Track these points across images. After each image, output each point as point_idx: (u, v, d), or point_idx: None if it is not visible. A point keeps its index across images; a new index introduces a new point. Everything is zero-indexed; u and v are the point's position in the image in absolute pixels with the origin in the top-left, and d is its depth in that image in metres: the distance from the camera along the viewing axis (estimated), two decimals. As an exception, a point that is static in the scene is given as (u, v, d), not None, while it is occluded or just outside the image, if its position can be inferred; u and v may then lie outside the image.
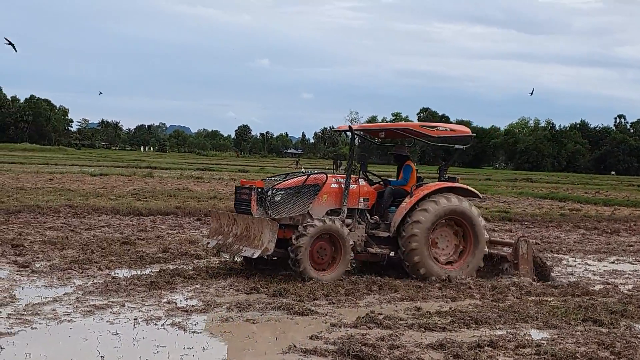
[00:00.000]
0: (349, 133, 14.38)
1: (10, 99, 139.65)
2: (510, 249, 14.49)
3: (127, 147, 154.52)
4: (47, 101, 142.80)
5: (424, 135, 14.35)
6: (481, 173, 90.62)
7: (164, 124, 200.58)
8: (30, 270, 12.64)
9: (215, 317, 10.13)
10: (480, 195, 15.13)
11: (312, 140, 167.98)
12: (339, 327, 9.82)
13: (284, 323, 10.04)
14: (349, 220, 13.47)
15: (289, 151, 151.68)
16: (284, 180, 13.58)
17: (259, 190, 13.00)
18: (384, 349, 8.66)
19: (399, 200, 13.99)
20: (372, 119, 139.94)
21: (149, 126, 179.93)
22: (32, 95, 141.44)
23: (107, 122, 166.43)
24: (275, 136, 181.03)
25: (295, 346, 8.73)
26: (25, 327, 9.24)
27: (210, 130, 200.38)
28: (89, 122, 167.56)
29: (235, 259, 13.67)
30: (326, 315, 10.52)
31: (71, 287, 11.52)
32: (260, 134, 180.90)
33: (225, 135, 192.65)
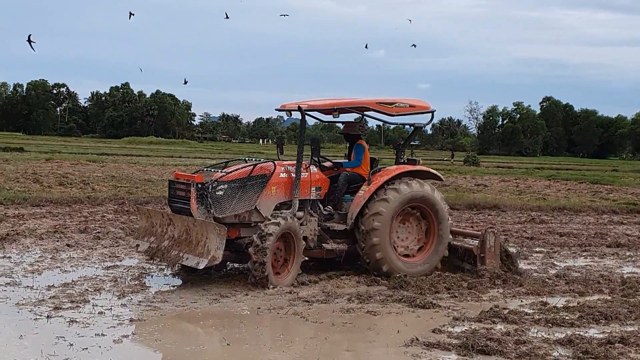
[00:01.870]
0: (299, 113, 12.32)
1: (137, 94, 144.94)
2: (477, 242, 13.00)
3: (247, 140, 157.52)
4: (171, 96, 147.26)
5: (381, 113, 12.63)
6: (607, 164, 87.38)
7: (282, 117, 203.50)
8: (159, 259, 13.04)
9: (336, 308, 10.15)
10: (443, 178, 13.90)
11: (429, 132, 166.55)
12: (462, 321, 9.65)
13: (405, 315, 9.96)
14: (300, 214, 11.93)
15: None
16: (225, 172, 11.81)
17: (199, 185, 11.26)
18: (509, 344, 8.45)
19: (354, 187, 12.62)
20: (492, 109, 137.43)
21: (267, 119, 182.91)
22: (157, 91, 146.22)
23: (228, 115, 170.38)
24: (391, 127, 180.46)
25: (417, 339, 8.64)
26: (155, 313, 9.54)
27: (325, 122, 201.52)
28: (211, 115, 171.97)
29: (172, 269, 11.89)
30: (448, 308, 10.36)
31: (198, 275, 11.80)
32: (376, 125, 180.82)
33: (341, 127, 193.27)
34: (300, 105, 12.11)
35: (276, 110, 12.88)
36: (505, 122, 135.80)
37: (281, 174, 11.89)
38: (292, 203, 11.88)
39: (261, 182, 11.69)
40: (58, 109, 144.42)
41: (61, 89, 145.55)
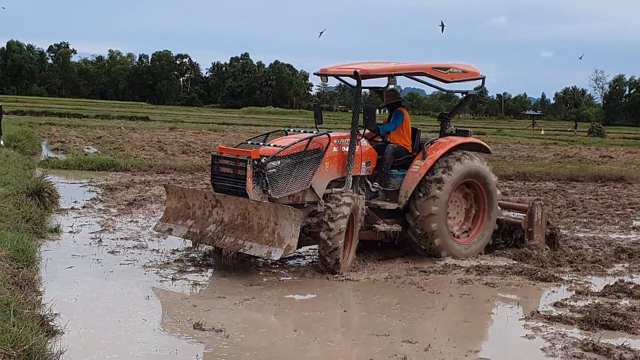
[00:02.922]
0: (351, 81, 11.19)
1: (256, 65, 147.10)
2: (525, 215, 12.21)
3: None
4: (289, 66, 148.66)
5: (437, 79, 11.40)
6: None
7: (399, 86, 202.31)
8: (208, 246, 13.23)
9: (453, 279, 10.05)
10: (491, 150, 12.77)
11: (552, 101, 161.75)
12: (585, 295, 9.37)
13: (525, 288, 9.76)
14: (350, 192, 10.59)
15: (527, 112, 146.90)
16: (281, 147, 10.32)
17: (256, 162, 9.96)
18: (635, 320, 8.16)
19: (399, 161, 11.45)
20: (619, 78, 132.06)
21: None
22: (276, 61, 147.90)
23: (345, 85, 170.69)
24: (512, 97, 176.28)
25: (538, 312, 8.45)
26: (273, 279, 9.73)
27: (444, 92, 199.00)
28: (327, 86, 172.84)
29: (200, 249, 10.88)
30: (571, 282, 10.07)
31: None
32: (496, 95, 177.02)
33: (460, 97, 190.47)
34: (357, 70, 10.75)
35: (315, 74, 11.67)
36: (632, 91, 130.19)
37: (334, 147, 10.65)
38: (345, 180, 10.74)
39: (316, 158, 10.46)
40: (181, 79, 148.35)
41: (184, 60, 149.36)
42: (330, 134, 10.78)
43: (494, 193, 11.71)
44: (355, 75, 10.69)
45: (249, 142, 11.11)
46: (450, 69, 11.43)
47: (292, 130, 11.84)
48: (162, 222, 10.61)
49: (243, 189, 9.91)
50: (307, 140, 10.41)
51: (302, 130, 11.49)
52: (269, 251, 9.34)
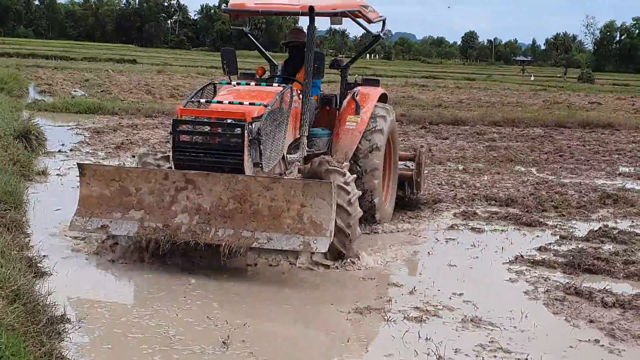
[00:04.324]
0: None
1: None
2: (413, 165, 10.96)
3: (353, 55, 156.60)
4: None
5: (363, 17, 9.53)
6: None
7: (390, 30, 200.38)
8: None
9: (441, 224, 10.13)
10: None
11: (542, 47, 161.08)
12: (569, 240, 9.48)
13: (510, 233, 9.85)
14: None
15: (517, 59, 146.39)
16: (265, 104, 7.79)
17: (250, 125, 7.53)
18: (617, 264, 8.27)
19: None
20: (610, 24, 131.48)
21: (385, 34, 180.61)
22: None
23: (335, 30, 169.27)
24: (503, 43, 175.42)
25: (522, 256, 8.56)
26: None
27: (435, 37, 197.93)
28: (318, 30, 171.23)
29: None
30: (555, 227, 10.18)
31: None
32: (487, 40, 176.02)
33: (451, 42, 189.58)
34: (312, 5, 8.54)
35: (225, 11, 9.22)
36: (623, 37, 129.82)
37: (295, 103, 8.48)
38: (299, 144, 8.85)
39: (286, 116, 8.23)
40: (169, 21, 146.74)
41: (172, 1, 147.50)
42: (290, 85, 8.51)
43: (397, 147, 10.64)
44: (310, 12, 8.54)
45: (192, 99, 8.17)
46: (369, 8, 9.73)
47: (234, 83, 8.77)
48: (82, 218, 7.41)
49: (236, 164, 7.45)
50: (280, 94, 8.06)
51: (253, 83, 8.77)
52: (305, 242, 7.09)
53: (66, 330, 5.58)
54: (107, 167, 7.64)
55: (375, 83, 10.26)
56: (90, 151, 14.47)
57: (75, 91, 27.89)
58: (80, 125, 18.05)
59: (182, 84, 33.20)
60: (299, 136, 8.75)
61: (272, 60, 10.27)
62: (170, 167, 7.83)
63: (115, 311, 6.34)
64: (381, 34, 10.40)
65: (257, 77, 9.52)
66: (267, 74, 9.86)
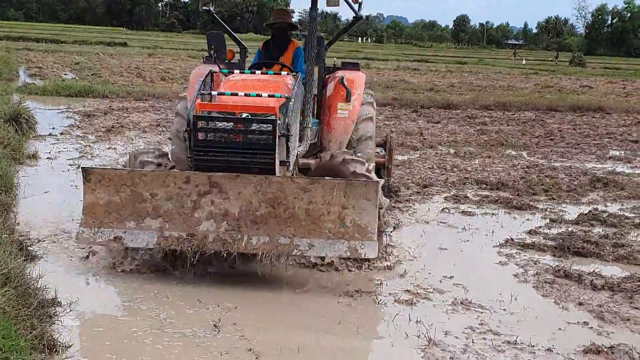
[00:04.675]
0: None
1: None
2: (384, 151, 10.43)
3: (345, 39, 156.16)
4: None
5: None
6: None
7: (381, 14, 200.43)
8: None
9: (432, 207, 10.16)
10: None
11: (534, 31, 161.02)
12: (559, 223, 9.52)
13: (501, 217, 9.87)
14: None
15: (509, 42, 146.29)
16: (287, 97, 7.18)
17: (279, 121, 6.88)
18: (607, 247, 8.31)
19: None
20: (602, 7, 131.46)
21: (367, 17, 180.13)
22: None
23: (327, 13, 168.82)
24: (495, 26, 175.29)
25: (512, 240, 8.60)
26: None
27: (427, 20, 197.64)
28: (303, 11, 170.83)
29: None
30: (546, 210, 10.22)
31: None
32: (479, 24, 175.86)
33: (443, 25, 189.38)
34: None
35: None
36: (614, 21, 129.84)
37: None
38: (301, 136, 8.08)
39: (299, 108, 7.71)
40: (159, 4, 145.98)
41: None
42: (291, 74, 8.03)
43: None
44: None
45: (203, 91, 7.41)
46: None
47: (237, 71, 8.02)
48: (90, 229, 6.55)
49: (266, 163, 6.79)
50: (296, 84, 7.57)
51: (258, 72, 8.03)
52: (351, 248, 6.52)
53: (57, 313, 5.60)
54: (117, 171, 6.63)
55: (355, 67, 9.47)
56: (81, 134, 14.43)
57: (65, 74, 27.77)
58: (71, 109, 17.99)
59: (173, 67, 33.10)
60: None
61: (242, 43, 9.32)
62: (173, 167, 7.47)
63: (106, 294, 6.35)
64: (363, 15, 9.59)
65: (227, 61, 8.77)
66: (237, 57, 9.08)
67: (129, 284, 6.68)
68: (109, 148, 13.17)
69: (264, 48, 9.09)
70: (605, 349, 5.52)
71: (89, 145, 13.22)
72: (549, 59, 77.82)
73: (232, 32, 9.46)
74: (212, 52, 8.08)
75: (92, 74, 27.72)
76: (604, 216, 9.75)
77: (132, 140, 14.02)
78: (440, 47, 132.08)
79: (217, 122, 6.73)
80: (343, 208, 6.55)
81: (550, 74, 47.52)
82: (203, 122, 6.74)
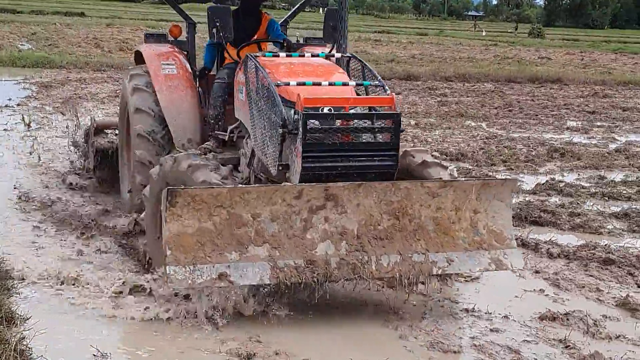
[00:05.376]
0: None
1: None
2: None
3: (306, 10, 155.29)
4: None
5: None
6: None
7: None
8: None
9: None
10: None
11: (494, 2, 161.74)
12: (517, 192, 9.61)
13: (460, 186, 9.96)
14: None
15: (469, 14, 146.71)
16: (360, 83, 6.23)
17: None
18: (563, 216, 8.45)
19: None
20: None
21: None
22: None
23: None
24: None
25: (471, 209, 8.69)
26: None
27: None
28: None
29: None
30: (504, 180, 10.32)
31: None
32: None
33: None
34: None
35: None
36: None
37: None
38: None
39: None
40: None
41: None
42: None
43: None
44: None
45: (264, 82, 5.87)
46: None
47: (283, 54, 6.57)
48: (183, 267, 4.99)
49: (388, 166, 5.65)
50: (345, 67, 6.71)
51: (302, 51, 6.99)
52: (495, 259, 5.62)
53: (15, 285, 5.56)
54: (212, 191, 5.12)
55: (321, 42, 8.22)
56: (38, 105, 14.23)
57: (22, 45, 27.25)
58: (27, 80, 17.71)
59: (132, 37, 32.64)
60: None
61: (189, 17, 7.95)
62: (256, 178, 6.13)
63: (65, 265, 6.29)
64: None
65: (173, 38, 7.85)
66: (184, 35, 7.92)
67: (86, 253, 6.63)
68: (66, 119, 13.00)
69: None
70: (560, 316, 5.64)
71: (46, 117, 13.04)
72: (509, 30, 78.23)
73: (177, 5, 8.10)
74: (215, 30, 6.69)
75: (49, 45, 27.26)
76: (561, 186, 9.90)
77: (91, 111, 13.86)
78: (401, 18, 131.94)
79: (330, 120, 5.46)
80: (475, 213, 5.61)
81: (510, 45, 47.82)
82: (317, 120, 5.45)
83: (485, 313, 5.69)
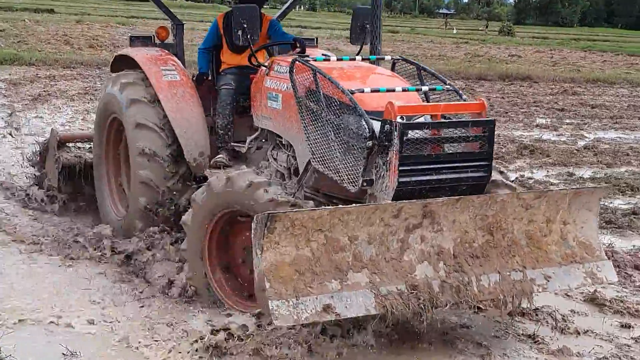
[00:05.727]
0: None
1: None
2: None
3: (277, 7, 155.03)
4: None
5: None
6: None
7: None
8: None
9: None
10: None
11: (465, 0, 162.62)
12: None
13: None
14: None
15: (440, 12, 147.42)
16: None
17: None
18: (532, 213, 8.52)
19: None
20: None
21: None
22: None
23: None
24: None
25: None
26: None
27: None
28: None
29: None
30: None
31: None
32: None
33: None
34: None
35: None
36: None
37: None
38: None
39: None
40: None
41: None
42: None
43: None
44: None
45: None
46: None
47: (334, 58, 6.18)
48: (286, 302, 4.41)
49: (481, 177, 5.23)
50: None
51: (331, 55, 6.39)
52: (590, 273, 5.28)
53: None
54: (313, 213, 4.58)
55: (312, 43, 7.90)
56: (7, 103, 14.08)
57: (-11, 41, 26.95)
58: (-5, 77, 17.51)
59: (102, 34, 32.39)
60: None
61: (177, 18, 7.46)
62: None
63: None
64: None
65: (160, 41, 7.38)
66: (171, 37, 7.49)
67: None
68: (35, 117, 12.89)
69: (227, 23, 6.93)
70: (529, 312, 5.68)
71: (15, 114, 12.91)
72: (479, 28, 78.75)
73: (164, 4, 7.61)
74: (240, 32, 6.08)
75: (18, 41, 26.95)
76: (530, 182, 10.00)
77: (60, 109, 13.75)
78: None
79: (426, 130, 5.04)
80: (564, 224, 5.29)
81: (481, 43, 48.09)
82: (414, 130, 4.98)
83: (454, 309, 5.70)
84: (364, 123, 5.00)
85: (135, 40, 7.33)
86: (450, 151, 5.10)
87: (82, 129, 11.46)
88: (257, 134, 6.35)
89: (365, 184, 5.03)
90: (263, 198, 4.99)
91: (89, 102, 14.62)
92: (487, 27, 75.43)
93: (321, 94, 5.29)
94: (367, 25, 6.77)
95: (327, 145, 5.27)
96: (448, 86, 5.68)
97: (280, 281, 4.42)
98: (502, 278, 4.93)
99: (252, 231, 4.38)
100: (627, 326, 5.66)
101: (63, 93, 15.49)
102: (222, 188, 5.26)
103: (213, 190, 5.31)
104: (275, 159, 6.02)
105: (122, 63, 7.19)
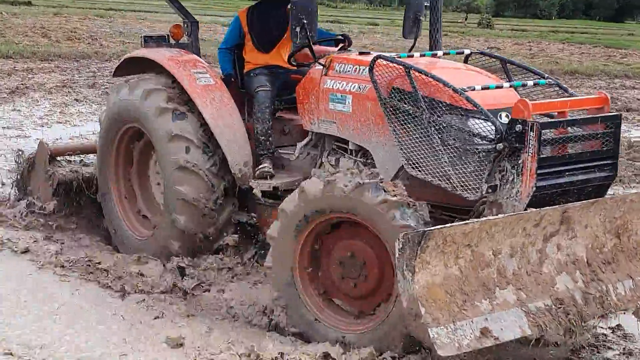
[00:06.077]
0: None
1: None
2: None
3: None
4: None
5: None
6: (624, 28, 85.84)
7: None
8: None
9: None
10: None
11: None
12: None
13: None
14: None
15: (426, 4, 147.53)
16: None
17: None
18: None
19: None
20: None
21: None
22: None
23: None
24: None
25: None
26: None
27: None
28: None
29: None
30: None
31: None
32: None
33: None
34: None
35: None
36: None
37: None
38: None
39: None
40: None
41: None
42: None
43: None
44: None
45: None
46: None
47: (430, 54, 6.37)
48: (445, 327, 4.07)
49: (607, 178, 5.02)
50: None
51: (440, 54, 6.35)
52: None
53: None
54: (465, 227, 4.21)
55: (348, 40, 6.98)
56: (-16, 97, 14.01)
57: (-35, 34, 26.72)
58: (-28, 70, 17.39)
59: (80, 26, 32.20)
60: None
61: (191, 15, 6.96)
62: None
63: None
64: None
65: (175, 41, 6.88)
66: (185, 37, 6.96)
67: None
68: (13, 110, 12.83)
69: (251, 19, 6.55)
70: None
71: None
72: (459, 20, 78.90)
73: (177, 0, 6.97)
74: (299, 28, 5.51)
75: (-6, 34, 26.77)
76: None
77: (38, 102, 13.68)
78: (352, 7, 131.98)
79: (562, 128, 4.76)
80: None
81: (460, 35, 48.24)
82: (552, 130, 4.70)
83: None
84: (490, 124, 4.68)
85: (149, 41, 6.76)
86: (576, 150, 4.79)
87: (65, 128, 11.48)
88: (308, 139, 5.97)
89: (490, 190, 4.67)
90: (375, 200, 4.59)
91: (67, 95, 14.57)
92: (466, 19, 75.51)
93: (419, 93, 4.94)
94: (421, 17, 6.49)
95: (429, 149, 4.88)
96: (550, 80, 5.40)
97: (435, 306, 4.04)
98: (635, 284, 4.69)
99: (397, 251, 3.98)
100: None
101: (41, 86, 15.40)
102: (320, 192, 4.82)
103: (308, 197, 4.87)
104: (333, 165, 5.65)
105: (130, 66, 6.71)
